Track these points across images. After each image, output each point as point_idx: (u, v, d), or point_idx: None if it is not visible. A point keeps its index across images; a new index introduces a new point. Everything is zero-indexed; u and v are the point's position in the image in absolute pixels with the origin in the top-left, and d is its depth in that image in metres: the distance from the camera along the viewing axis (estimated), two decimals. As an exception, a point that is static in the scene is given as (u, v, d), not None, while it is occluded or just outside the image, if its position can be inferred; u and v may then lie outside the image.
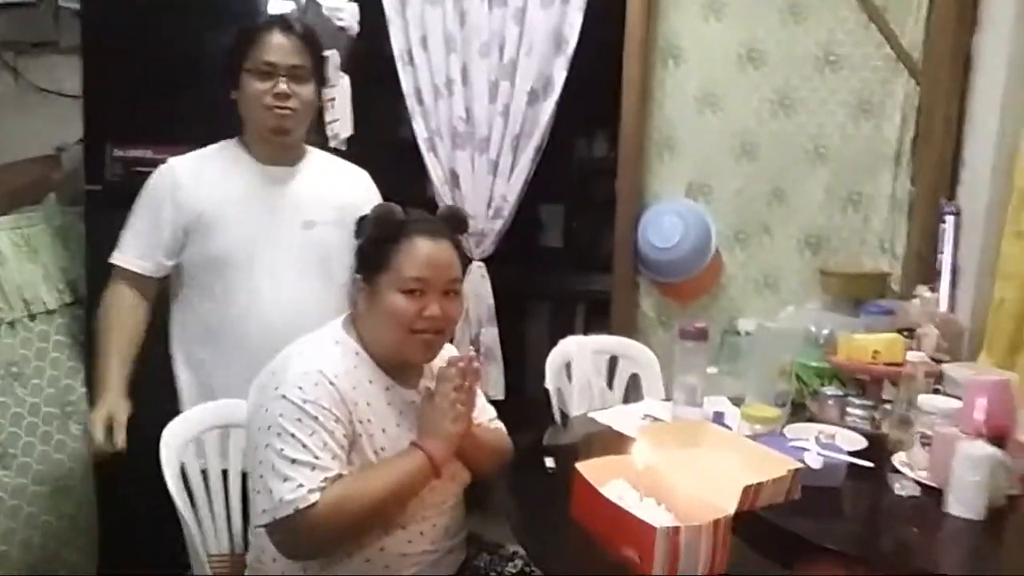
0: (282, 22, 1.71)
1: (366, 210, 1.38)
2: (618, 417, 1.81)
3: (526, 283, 3.50)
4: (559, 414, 1.98)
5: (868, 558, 1.23)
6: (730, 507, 1.13)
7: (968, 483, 1.31)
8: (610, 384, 2.16)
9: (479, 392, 1.44)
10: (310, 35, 1.74)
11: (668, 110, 2.59)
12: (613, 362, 2.19)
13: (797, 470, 1.19)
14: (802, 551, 1.20)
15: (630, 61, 2.54)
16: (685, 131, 2.59)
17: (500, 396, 2.53)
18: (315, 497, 1.15)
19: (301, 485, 1.16)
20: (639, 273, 2.66)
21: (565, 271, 3.62)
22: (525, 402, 2.32)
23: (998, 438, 1.37)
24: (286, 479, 1.17)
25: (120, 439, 1.59)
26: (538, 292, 3.60)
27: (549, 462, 1.53)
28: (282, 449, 1.18)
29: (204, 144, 1.79)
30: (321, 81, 1.80)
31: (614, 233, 2.65)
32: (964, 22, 2.39)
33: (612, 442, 1.56)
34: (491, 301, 2.61)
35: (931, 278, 2.40)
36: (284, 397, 1.22)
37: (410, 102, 2.55)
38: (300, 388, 1.22)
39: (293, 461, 1.17)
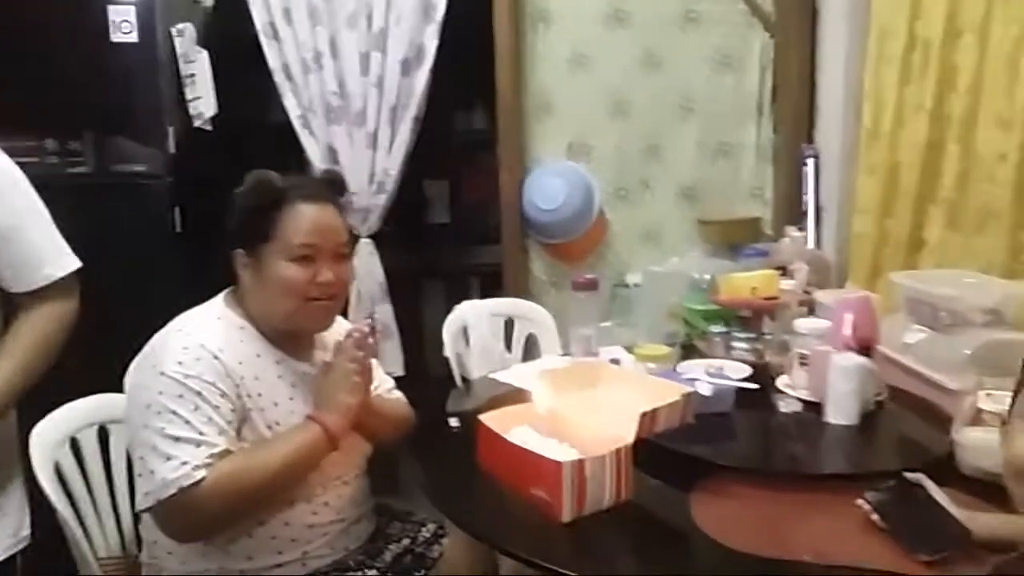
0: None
1: None
2: (518, 375, 1.83)
3: (418, 261, 3.47)
4: (460, 380, 1.98)
5: (761, 470, 1.31)
6: (629, 436, 1.16)
7: (842, 392, 1.42)
8: (508, 346, 2.18)
9: (376, 363, 1.41)
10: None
11: (542, 73, 2.62)
12: (510, 324, 2.21)
13: (689, 394, 1.24)
14: (701, 473, 1.25)
15: (500, 26, 2.54)
16: (560, 93, 2.63)
17: (399, 372, 2.49)
18: (200, 474, 1.10)
19: (185, 463, 1.10)
20: (527, 237, 2.68)
21: (455, 246, 3.61)
22: (428, 380, 2.30)
23: (865, 349, 1.49)
24: (169, 458, 1.10)
25: None
26: (431, 269, 3.57)
27: (453, 422, 1.53)
28: (163, 428, 1.12)
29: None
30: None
31: (500, 202, 2.66)
32: (809, -24, 2.55)
33: (514, 397, 1.57)
34: (382, 278, 2.57)
35: (798, 219, 2.56)
36: (163, 374, 1.15)
37: (278, 78, 2.45)
38: (180, 363, 1.16)
39: (176, 439, 1.11)
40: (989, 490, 1.10)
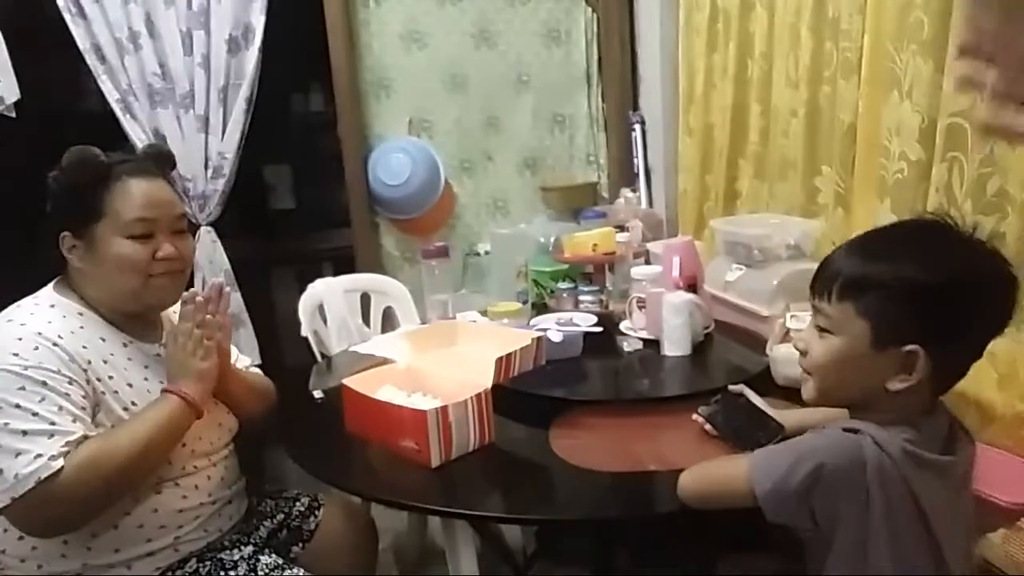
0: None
1: None
2: (378, 345, 1.85)
3: (265, 249, 3.37)
4: (320, 358, 1.97)
5: (610, 401, 1.43)
6: (488, 381, 1.23)
7: (674, 326, 1.57)
8: (366, 321, 2.19)
9: (231, 342, 1.39)
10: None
11: (377, 51, 2.62)
12: (366, 300, 2.22)
13: (540, 338, 1.33)
14: (557, 412, 1.35)
15: (330, 3, 2.51)
16: (397, 70, 2.64)
17: (256, 360, 2.43)
18: (58, 464, 1.04)
19: (39, 455, 1.04)
20: (376, 215, 2.69)
21: (303, 231, 3.54)
22: (285, 369, 2.25)
23: (691, 287, 1.65)
24: (19, 453, 1.04)
25: None
26: (280, 256, 3.47)
27: (317, 394, 1.53)
28: (7, 423, 1.05)
29: None
30: None
31: (344, 182, 2.64)
32: (622, -47, 2.72)
33: (377, 365, 1.60)
34: (227, 266, 2.48)
35: (631, 181, 2.76)
36: None
37: (90, 59, 2.28)
38: (16, 355, 1.09)
39: (24, 433, 1.05)
40: (798, 394, 1.27)
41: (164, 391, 1.20)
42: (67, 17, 2.24)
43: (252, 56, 2.39)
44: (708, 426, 1.24)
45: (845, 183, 1.77)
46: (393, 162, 2.57)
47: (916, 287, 0.89)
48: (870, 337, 0.92)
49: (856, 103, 1.70)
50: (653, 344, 1.64)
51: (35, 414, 1.06)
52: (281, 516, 1.43)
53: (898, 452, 0.89)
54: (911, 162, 1.50)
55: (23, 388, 1.07)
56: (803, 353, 1.02)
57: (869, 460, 0.88)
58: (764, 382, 1.39)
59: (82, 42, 2.27)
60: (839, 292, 0.94)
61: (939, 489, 0.91)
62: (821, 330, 0.98)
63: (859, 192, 1.74)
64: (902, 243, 0.95)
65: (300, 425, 1.44)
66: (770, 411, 1.20)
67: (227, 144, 2.40)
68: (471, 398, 1.20)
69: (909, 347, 0.90)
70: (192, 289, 1.27)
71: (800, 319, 1.44)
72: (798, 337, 1.05)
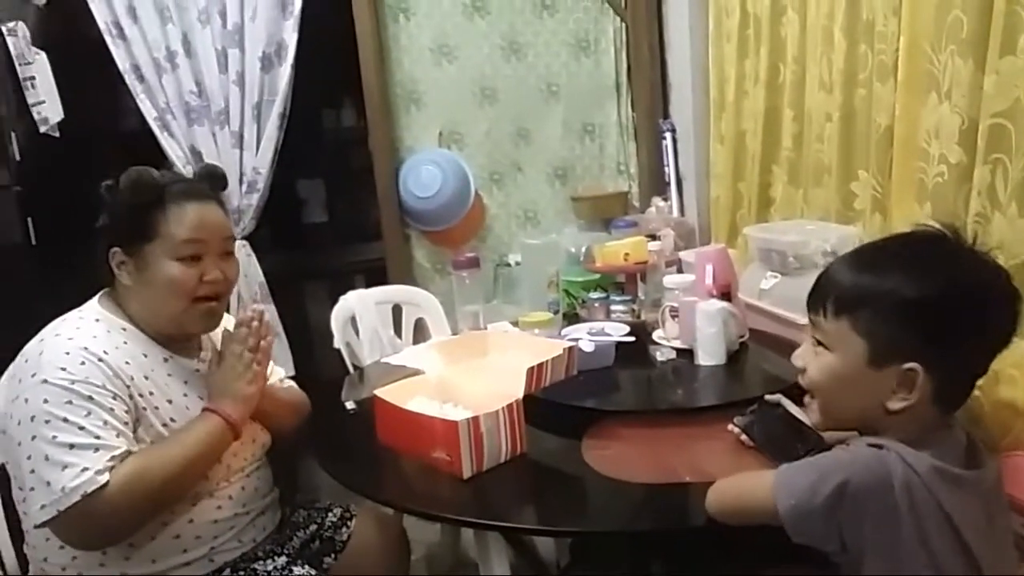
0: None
1: None
2: (410, 356, 1.85)
3: (299, 263, 3.41)
4: (352, 369, 1.98)
5: (643, 411, 1.41)
6: (519, 391, 1.22)
7: (708, 335, 1.54)
8: (398, 332, 2.19)
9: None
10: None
11: (407, 65, 2.65)
12: (397, 312, 2.23)
13: (571, 348, 1.32)
14: (589, 423, 1.33)
15: (361, 19, 2.55)
16: (427, 83, 2.66)
17: (291, 372, 2.45)
18: (104, 478, 1.06)
19: (86, 468, 1.06)
20: (408, 227, 2.71)
21: (335, 245, 3.57)
22: (319, 381, 2.27)
23: (725, 295, 1.62)
24: (66, 466, 1.06)
25: None
26: (313, 270, 3.51)
27: (349, 404, 1.54)
28: (55, 436, 1.07)
29: None
30: None
31: (376, 196, 2.67)
32: (651, -38, 2.71)
33: (408, 376, 1.60)
34: (261, 279, 2.52)
35: (662, 189, 2.74)
36: (46, 382, 1.10)
37: (129, 80, 2.34)
38: (63, 369, 1.11)
39: (71, 446, 1.07)
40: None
41: (206, 410, 1.22)
42: (108, 39, 2.31)
43: (285, 73, 2.42)
44: (744, 437, 1.21)
45: (883, 187, 1.73)
46: (424, 174, 2.59)
47: (914, 303, 0.86)
48: (867, 355, 0.89)
49: (893, 106, 1.67)
50: (686, 354, 1.61)
51: (81, 428, 1.08)
52: (314, 527, 1.44)
53: (925, 468, 0.85)
54: (951, 165, 1.46)
55: (70, 402, 1.09)
56: (801, 372, 0.99)
57: (896, 476, 0.84)
58: (801, 392, 1.36)
59: (122, 63, 2.33)
60: (835, 307, 0.91)
61: (970, 506, 0.87)
62: (818, 344, 0.95)
63: (897, 197, 1.70)
64: (900, 256, 0.92)
65: (332, 436, 1.45)
66: (807, 419, 1.17)
67: (261, 159, 2.44)
68: (503, 409, 1.19)
69: (908, 365, 0.87)
70: (249, 313, 1.30)
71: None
72: (797, 354, 1.01)
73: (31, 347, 1.17)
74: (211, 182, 1.34)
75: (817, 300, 0.94)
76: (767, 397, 1.24)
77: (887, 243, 0.99)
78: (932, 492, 0.85)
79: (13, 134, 1.97)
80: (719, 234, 2.50)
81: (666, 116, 2.76)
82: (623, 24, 2.78)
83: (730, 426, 1.23)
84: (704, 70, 2.56)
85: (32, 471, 1.08)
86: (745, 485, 1.00)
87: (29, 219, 1.99)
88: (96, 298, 1.28)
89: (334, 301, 2.13)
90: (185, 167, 2.39)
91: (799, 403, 1.22)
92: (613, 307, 1.99)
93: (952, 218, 1.42)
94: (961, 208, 1.44)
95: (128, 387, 1.16)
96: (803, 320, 1.63)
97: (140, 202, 1.23)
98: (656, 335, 1.75)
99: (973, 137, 1.40)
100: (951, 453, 0.89)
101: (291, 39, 2.42)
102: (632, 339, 1.63)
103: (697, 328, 1.56)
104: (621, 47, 2.80)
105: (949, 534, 0.85)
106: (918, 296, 0.86)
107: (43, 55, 2.05)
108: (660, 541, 1.62)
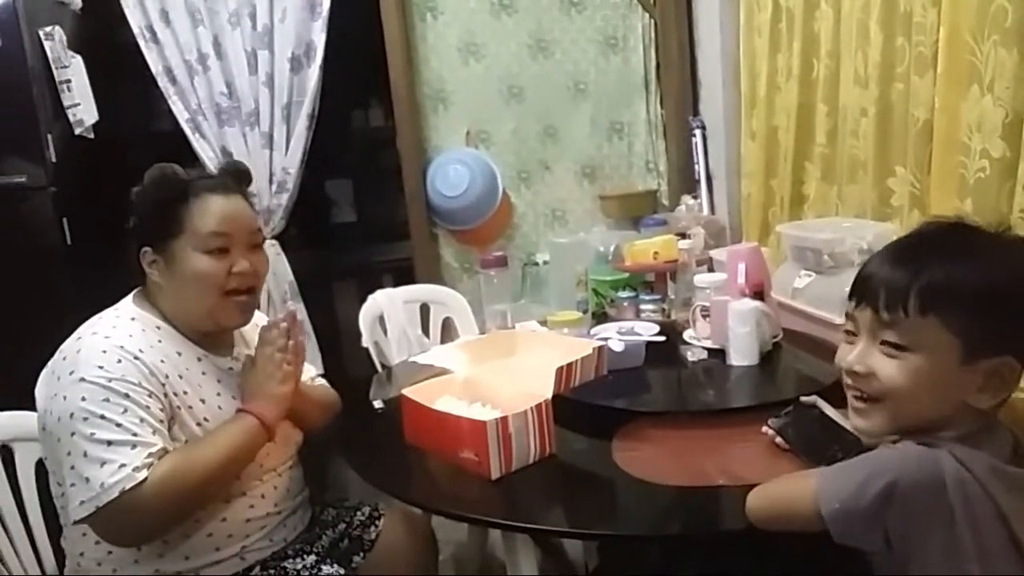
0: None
1: None
2: (438, 356, 1.85)
3: (327, 262, 3.43)
4: (380, 368, 1.98)
5: (674, 412, 1.39)
6: (548, 391, 1.21)
7: (741, 335, 1.51)
8: (426, 331, 2.19)
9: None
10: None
11: (435, 64, 2.65)
12: (425, 311, 2.23)
13: (601, 347, 1.30)
14: (619, 423, 1.32)
15: (388, 19, 2.55)
16: (454, 82, 2.66)
17: (320, 371, 2.46)
18: (142, 475, 1.07)
19: (124, 465, 1.07)
20: (435, 226, 2.71)
21: (364, 244, 3.59)
22: (348, 380, 2.28)
23: (758, 295, 1.59)
24: (104, 463, 1.07)
25: None
26: (341, 269, 3.54)
27: (377, 403, 1.54)
28: (93, 433, 1.08)
29: None
30: None
31: (404, 196, 2.67)
32: (679, -42, 2.68)
33: (436, 375, 1.60)
34: (291, 277, 2.54)
35: (692, 187, 2.70)
36: (84, 380, 1.11)
37: (162, 82, 2.37)
38: (101, 367, 1.12)
39: (109, 443, 1.08)
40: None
41: (240, 410, 1.23)
42: (141, 42, 2.34)
43: (314, 74, 2.44)
44: (779, 439, 1.18)
45: (921, 183, 1.68)
46: (451, 173, 2.59)
47: (1006, 293, 0.83)
48: (960, 352, 0.85)
49: (932, 99, 1.62)
50: (718, 354, 1.58)
51: (119, 425, 1.09)
52: (343, 526, 1.44)
53: (981, 467, 0.81)
54: (994, 160, 1.41)
55: (107, 400, 1.10)
56: (863, 377, 0.91)
57: (949, 476, 0.81)
58: (837, 393, 1.32)
59: (154, 66, 2.37)
60: (920, 304, 0.86)
61: (1022, 504, 0.84)
62: (892, 346, 0.88)
63: (936, 193, 1.65)
64: (978, 246, 0.88)
65: (361, 435, 1.45)
66: (844, 422, 1.14)
67: (290, 160, 2.46)
68: (531, 409, 1.18)
69: (1002, 359, 0.83)
70: (284, 315, 1.30)
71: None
72: (854, 360, 0.93)
73: (68, 345, 1.19)
74: (235, 176, 1.34)
75: (891, 298, 0.87)
76: (802, 399, 1.20)
77: (957, 234, 0.91)
78: (988, 491, 0.81)
79: (49, 136, 2.00)
80: (750, 232, 2.46)
81: (696, 113, 2.72)
82: (652, 20, 2.75)
83: (764, 428, 1.20)
84: (735, 65, 2.52)
85: (71, 467, 1.09)
86: (786, 489, 0.97)
87: (64, 220, 2.02)
88: (130, 296, 1.29)
89: (362, 300, 2.14)
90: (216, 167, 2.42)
91: (835, 404, 1.19)
92: (642, 306, 1.97)
93: (995, 214, 1.38)
94: (1004, 204, 1.40)
95: (163, 385, 1.17)
96: (839, 320, 1.60)
97: (165, 198, 1.24)
98: (687, 335, 1.72)
99: (1017, 130, 1.35)
100: (1002, 451, 0.86)
101: (320, 40, 2.43)
102: (662, 339, 1.60)
103: (729, 328, 1.53)
104: (650, 44, 2.77)
105: (1004, 534, 0.82)
106: (1010, 285, 0.83)
107: (79, 58, 2.08)
108: (690, 545, 1.60)
